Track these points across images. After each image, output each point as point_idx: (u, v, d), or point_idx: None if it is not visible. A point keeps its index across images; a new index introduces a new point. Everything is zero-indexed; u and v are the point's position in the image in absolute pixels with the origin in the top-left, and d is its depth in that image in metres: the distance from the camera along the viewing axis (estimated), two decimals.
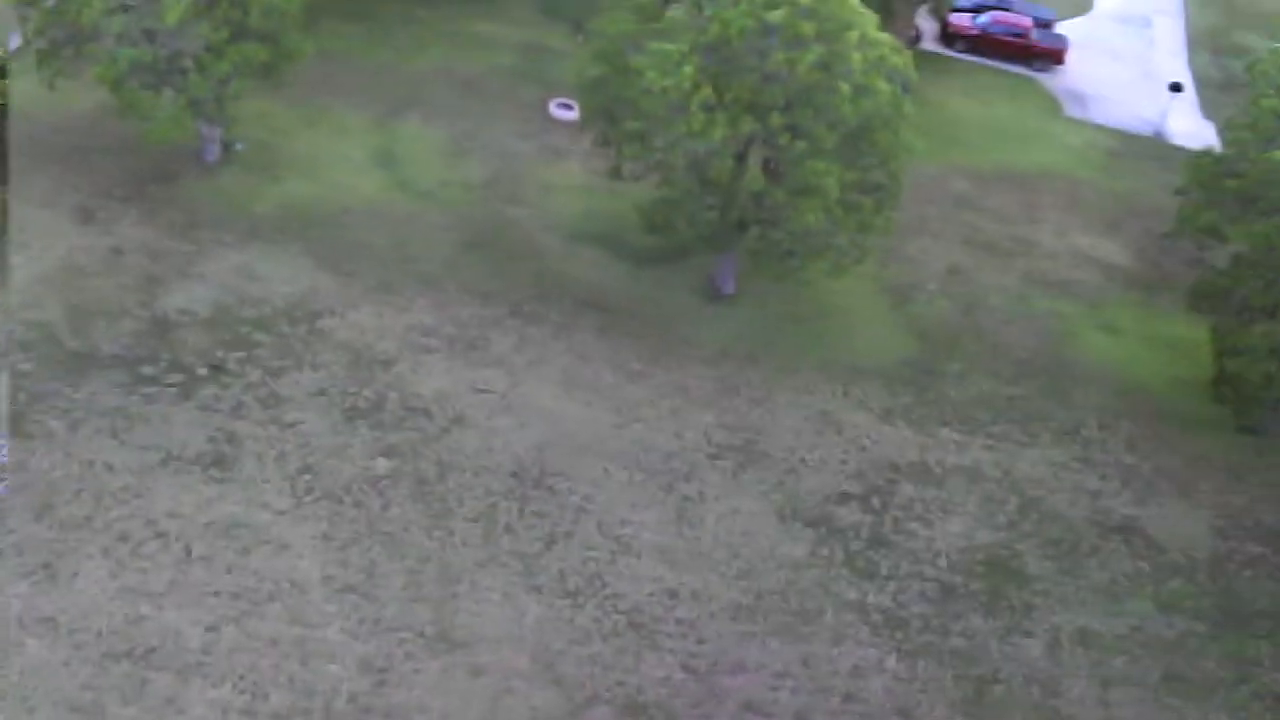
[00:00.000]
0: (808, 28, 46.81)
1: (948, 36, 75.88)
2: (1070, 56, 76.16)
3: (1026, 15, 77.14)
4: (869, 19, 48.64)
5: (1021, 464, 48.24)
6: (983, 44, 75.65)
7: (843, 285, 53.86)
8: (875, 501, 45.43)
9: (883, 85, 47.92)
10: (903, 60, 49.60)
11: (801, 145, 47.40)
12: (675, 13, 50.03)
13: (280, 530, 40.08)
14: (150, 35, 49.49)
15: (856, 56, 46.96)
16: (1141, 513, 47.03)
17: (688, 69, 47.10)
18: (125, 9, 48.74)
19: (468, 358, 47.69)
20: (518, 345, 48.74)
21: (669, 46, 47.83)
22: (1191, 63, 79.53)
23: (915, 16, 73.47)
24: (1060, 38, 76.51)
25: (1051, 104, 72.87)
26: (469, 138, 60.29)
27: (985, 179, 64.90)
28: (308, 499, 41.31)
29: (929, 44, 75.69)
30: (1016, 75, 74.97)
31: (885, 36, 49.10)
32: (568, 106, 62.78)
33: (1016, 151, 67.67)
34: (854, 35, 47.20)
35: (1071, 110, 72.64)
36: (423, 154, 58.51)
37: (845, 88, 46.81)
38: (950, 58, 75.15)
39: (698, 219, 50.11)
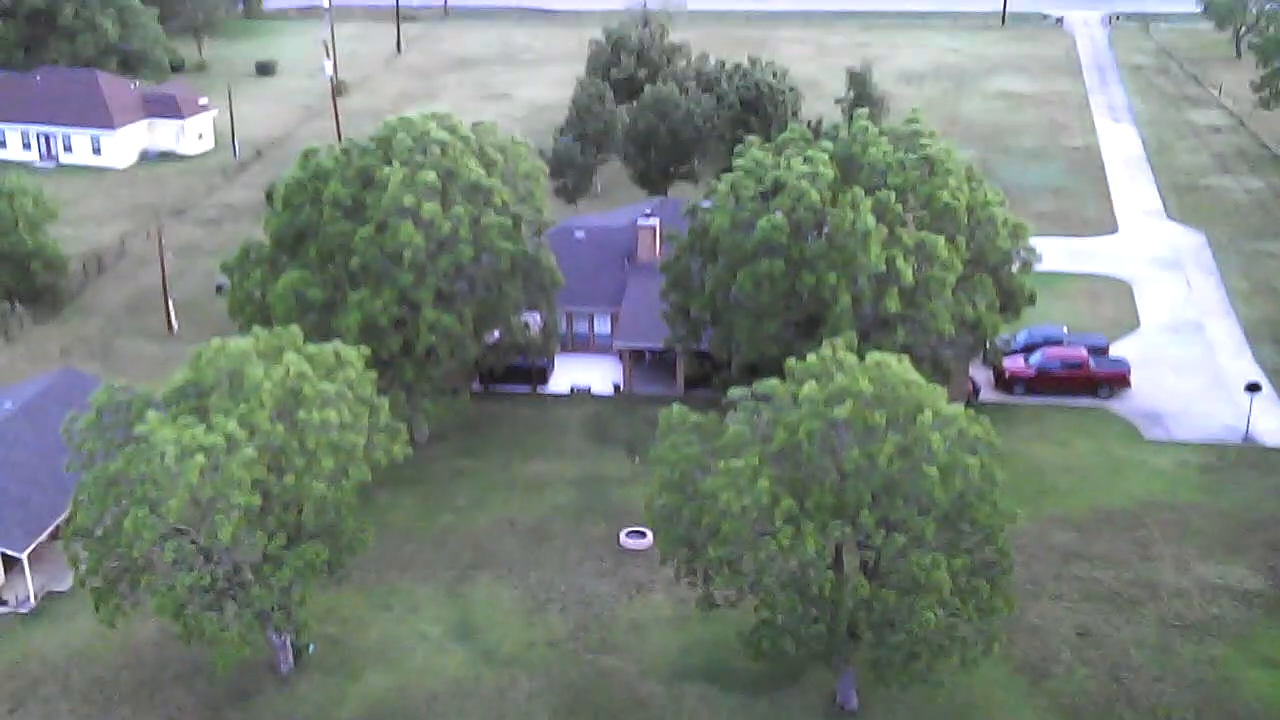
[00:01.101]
0: (878, 417, 44.59)
1: (1005, 382, 74.02)
2: (1134, 377, 74.05)
3: (1079, 345, 75.49)
4: (938, 394, 46.49)
5: None
6: (1042, 383, 73.66)
7: (972, 674, 49.61)
8: None
9: (969, 460, 45.27)
10: (982, 428, 47.21)
11: (900, 540, 44.34)
12: (736, 426, 47.86)
13: None
14: (206, 554, 47.58)
15: (935, 437, 44.50)
16: None
17: (763, 483, 44.52)
18: (177, 532, 46.91)
19: None
20: None
21: (738, 463, 45.45)
22: (1258, 358, 77.31)
23: (969, 369, 71.89)
24: (1120, 361, 74.55)
25: (1129, 430, 70.12)
26: (546, 589, 57.49)
27: (1086, 525, 61.38)
28: None
29: (987, 393, 73.79)
30: (1084, 407, 72.60)
31: (958, 408, 46.80)
32: (639, 534, 60.30)
33: (1108, 488, 64.43)
34: (928, 415, 44.85)
35: (1151, 433, 69.81)
36: (501, 616, 55.56)
37: (932, 471, 44.13)
38: (1013, 403, 73.01)
39: (806, 637, 46.30)
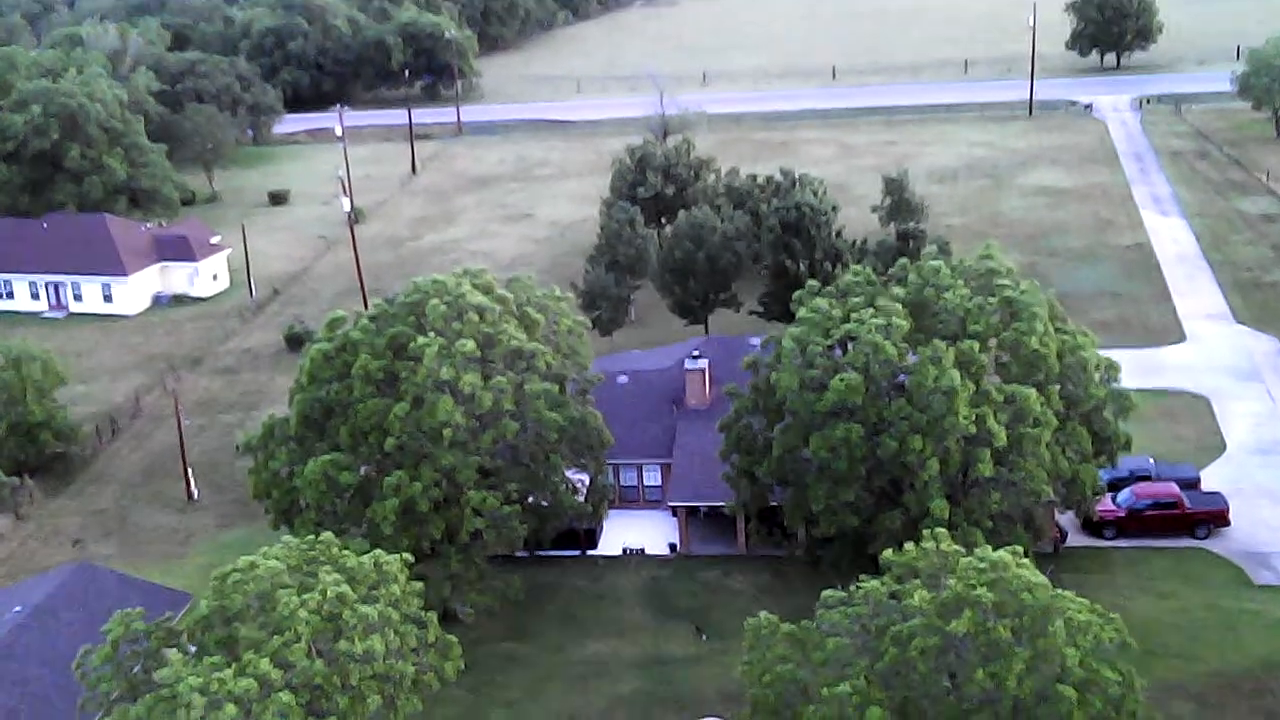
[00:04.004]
0: (1002, 630, 39.11)
1: (1093, 525, 68.16)
2: (1231, 512, 68.16)
3: (1168, 479, 69.74)
4: (1065, 598, 41.01)
5: None
6: (1133, 524, 67.86)
7: None
8: None
9: (1109, 673, 39.75)
10: (1116, 627, 41.70)
11: None
12: (837, 640, 42.31)
13: None
14: None
15: (1070, 652, 38.93)
16: None
17: (874, 712, 39.04)
18: None
19: None
20: None
21: (844, 689, 39.94)
22: None
23: (1055, 517, 66.11)
24: (1215, 496, 68.76)
25: (1236, 575, 64.28)
26: None
27: (1205, 693, 55.41)
28: None
29: (1075, 538, 67.99)
30: (1181, 549, 66.75)
31: (1088, 609, 41.24)
32: None
33: (1225, 647, 58.50)
34: (1060, 626, 39.32)
35: (1262, 576, 64.00)
36: None
37: (1069, 692, 38.57)
38: (1103, 548, 67.19)
39: None
